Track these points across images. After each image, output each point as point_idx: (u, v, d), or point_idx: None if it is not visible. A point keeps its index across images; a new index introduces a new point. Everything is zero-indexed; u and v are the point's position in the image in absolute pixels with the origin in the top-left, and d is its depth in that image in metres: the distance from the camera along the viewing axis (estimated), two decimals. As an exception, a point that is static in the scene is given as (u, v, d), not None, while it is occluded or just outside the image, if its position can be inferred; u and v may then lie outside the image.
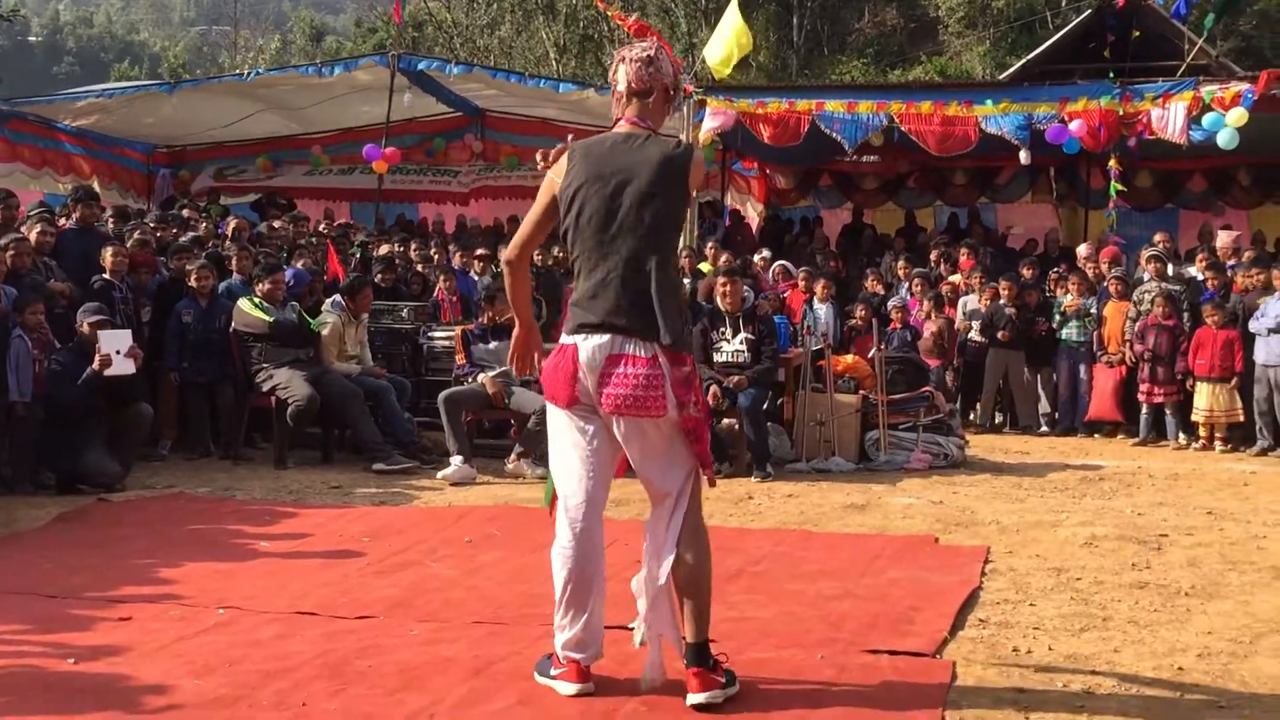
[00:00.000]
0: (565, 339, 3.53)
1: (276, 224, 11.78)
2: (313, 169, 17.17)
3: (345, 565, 5.29)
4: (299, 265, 9.85)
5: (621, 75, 3.61)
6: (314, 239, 11.54)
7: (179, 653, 3.98)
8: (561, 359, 3.51)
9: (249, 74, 14.94)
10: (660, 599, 3.56)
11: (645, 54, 3.61)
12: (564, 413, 3.57)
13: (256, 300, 8.24)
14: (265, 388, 8.10)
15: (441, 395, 7.98)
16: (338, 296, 8.71)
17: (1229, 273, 10.06)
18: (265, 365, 8.11)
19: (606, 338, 3.44)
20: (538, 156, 3.97)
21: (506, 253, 3.78)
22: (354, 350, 8.63)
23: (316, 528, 6.10)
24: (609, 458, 3.60)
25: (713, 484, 3.73)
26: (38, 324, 7.21)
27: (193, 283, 8.49)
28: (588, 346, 3.46)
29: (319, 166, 17.14)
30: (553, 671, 3.60)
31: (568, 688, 3.54)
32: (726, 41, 12.42)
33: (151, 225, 10.10)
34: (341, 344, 8.51)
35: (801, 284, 11.24)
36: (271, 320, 8.13)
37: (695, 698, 3.45)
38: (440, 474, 7.61)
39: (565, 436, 3.59)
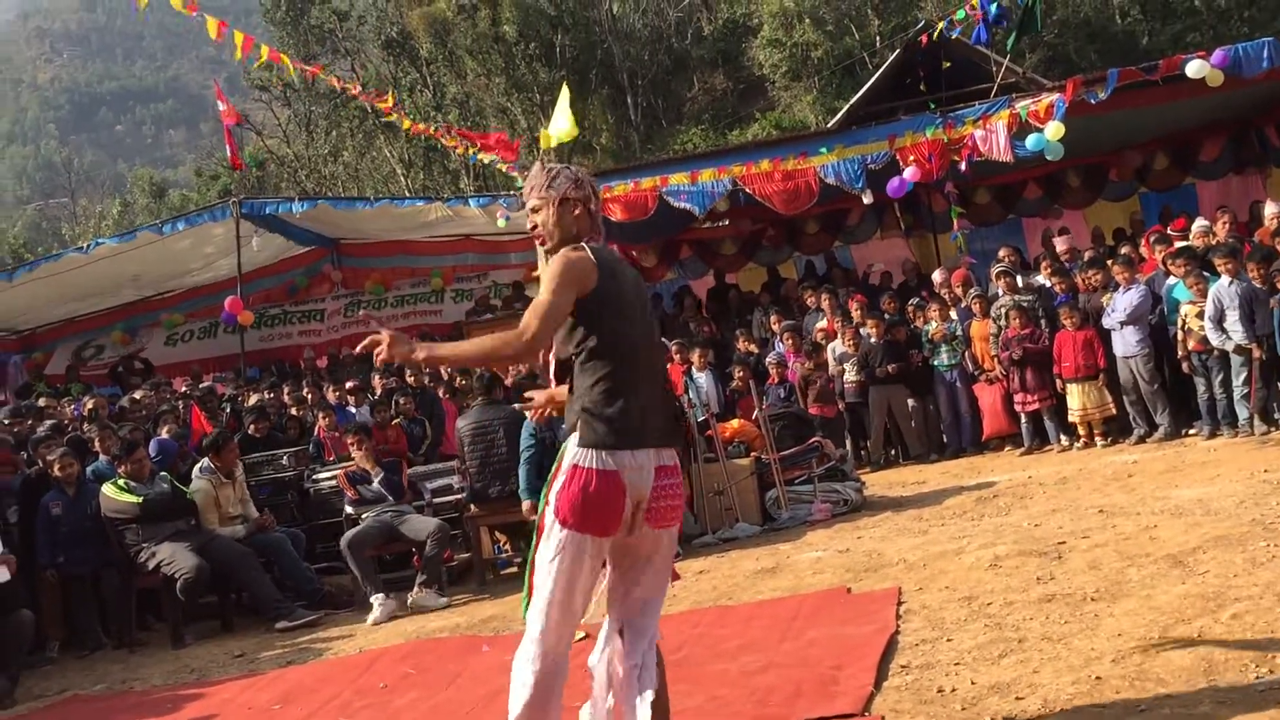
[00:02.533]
0: (597, 462, 3.28)
1: (139, 395, 11.44)
2: (167, 331, 16.76)
3: (257, 740, 5.07)
4: (163, 433, 9.55)
5: (594, 197, 3.54)
6: (179, 403, 11.23)
7: None
8: (605, 488, 3.27)
9: (90, 246, 14.57)
10: (646, 702, 3.42)
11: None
12: (585, 541, 3.30)
13: (121, 482, 7.95)
14: (150, 566, 7.79)
15: (344, 541, 7.80)
16: (204, 459, 8.45)
17: (1073, 275, 10.49)
18: (145, 544, 7.81)
19: (651, 452, 3.37)
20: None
21: (526, 343, 3.29)
22: (235, 510, 8.37)
23: (223, 705, 5.84)
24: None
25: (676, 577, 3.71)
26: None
27: (56, 473, 8.16)
28: (637, 466, 3.32)
29: (174, 328, 16.75)
30: None
31: None
32: (564, 116, 12.55)
33: (6, 421, 9.71)
34: (219, 507, 8.25)
35: (677, 356, 11.34)
36: (140, 500, 7.85)
37: None
38: (369, 619, 7.40)
39: (578, 565, 3.31)
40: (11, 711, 6.53)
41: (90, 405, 10.40)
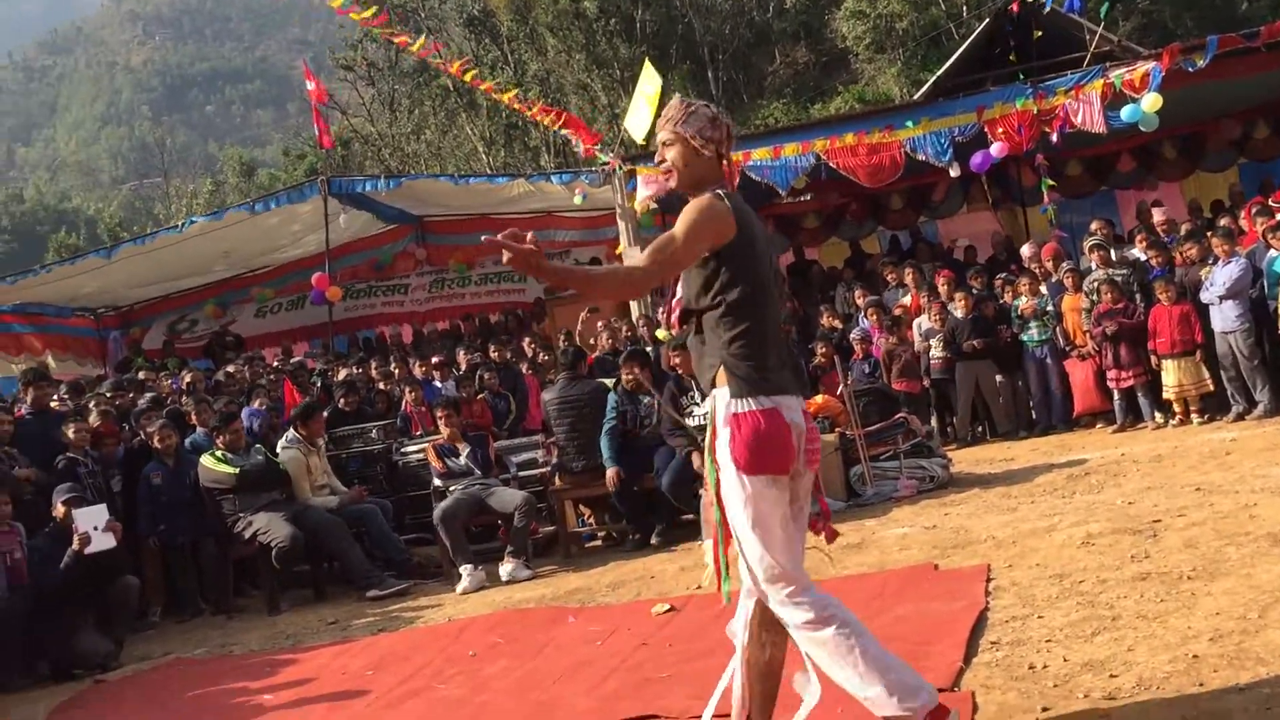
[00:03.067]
0: (756, 404, 3.25)
1: (232, 369, 11.75)
2: (259, 306, 17.20)
3: (353, 705, 5.20)
4: (256, 405, 9.81)
5: (727, 140, 3.43)
6: (271, 377, 11.50)
7: (195, 831, 3.88)
8: (774, 425, 3.25)
9: (183, 224, 14.97)
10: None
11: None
12: (772, 481, 3.25)
13: (219, 453, 8.18)
14: (246, 535, 8.02)
15: (436, 515, 7.94)
16: (290, 430, 8.65)
17: (1169, 248, 10.21)
18: (241, 514, 8.04)
19: (796, 398, 3.38)
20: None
21: (645, 278, 3.28)
22: (321, 480, 8.57)
23: (319, 669, 6.00)
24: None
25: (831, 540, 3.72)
26: (3, 516, 7.12)
27: (156, 444, 8.44)
28: (790, 408, 3.31)
29: (265, 302, 17.18)
30: None
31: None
32: (644, 110, 12.57)
33: (108, 395, 10.04)
34: (309, 475, 8.44)
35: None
36: (237, 471, 8.07)
37: None
38: (458, 589, 7.56)
39: (777, 508, 3.27)
40: (117, 673, 6.79)
41: (188, 379, 10.72)
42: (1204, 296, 9.26)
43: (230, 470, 8.07)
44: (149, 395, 10.18)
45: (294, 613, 7.86)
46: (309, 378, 11.82)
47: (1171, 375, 9.38)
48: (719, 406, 3.34)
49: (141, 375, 12.04)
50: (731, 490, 3.29)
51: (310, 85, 16.43)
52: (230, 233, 15.05)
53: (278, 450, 8.51)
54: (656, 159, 3.52)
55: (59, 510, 7.14)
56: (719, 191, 3.34)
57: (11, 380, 12.53)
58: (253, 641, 7.11)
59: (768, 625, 3.40)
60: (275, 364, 13.22)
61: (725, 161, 3.44)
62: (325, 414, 10.01)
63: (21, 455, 8.05)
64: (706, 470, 3.44)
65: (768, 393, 3.27)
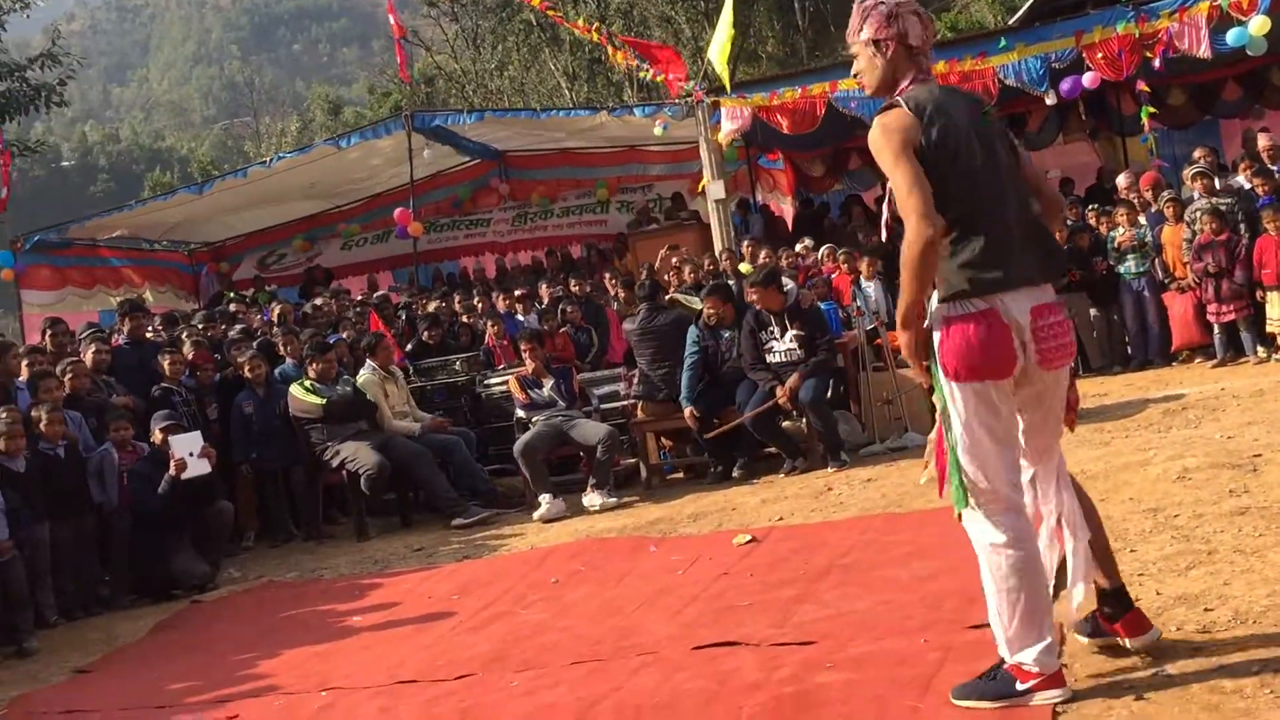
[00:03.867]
0: (961, 308, 3.13)
1: (319, 301, 11.93)
2: (345, 241, 17.46)
3: (438, 627, 5.30)
4: (343, 336, 9.97)
5: (912, 29, 3.26)
6: (357, 310, 11.67)
7: (286, 743, 4.00)
8: (989, 328, 3.11)
9: (271, 160, 15.19)
10: (1081, 547, 3.29)
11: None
12: (986, 389, 3.14)
13: (308, 384, 8.32)
14: (335, 464, 8.18)
15: (517, 449, 8.01)
16: (368, 361, 8.78)
17: (1278, 175, 9.76)
18: (329, 443, 8.19)
19: (1021, 293, 3.17)
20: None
21: (922, 227, 3.06)
22: (401, 407, 8.69)
23: (405, 594, 6.13)
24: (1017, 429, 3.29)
25: (1071, 429, 3.45)
26: (125, 439, 7.40)
27: (247, 374, 8.62)
28: (1011, 305, 3.14)
29: (352, 237, 17.43)
30: (1020, 686, 3.16)
31: (1055, 695, 3.15)
32: (724, 40, 12.34)
33: (200, 326, 10.28)
34: (386, 399, 8.56)
35: (844, 265, 11.12)
36: (325, 402, 8.21)
37: (1141, 640, 3.33)
38: (536, 515, 7.66)
39: (987, 418, 3.16)
40: (212, 594, 7.01)
41: (278, 311, 10.91)
42: (1313, 226, 8.86)
43: (318, 400, 8.22)
44: (239, 327, 10.40)
45: (381, 539, 8.02)
46: (394, 310, 11.96)
47: (1276, 308, 9.01)
48: (931, 311, 3.22)
49: (232, 308, 12.29)
50: (948, 397, 3.20)
51: (392, 20, 16.46)
52: (317, 168, 15.25)
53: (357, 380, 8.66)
54: (852, 73, 3.44)
55: (156, 436, 7.38)
56: (898, 97, 3.22)
57: (112, 314, 12.90)
58: (341, 566, 7.28)
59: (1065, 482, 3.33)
60: (360, 297, 13.40)
61: (913, 51, 3.26)
62: (409, 347, 10.15)
63: (119, 384, 8.30)
64: (932, 371, 3.29)
65: (979, 293, 3.12)
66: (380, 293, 13.81)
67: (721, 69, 12.23)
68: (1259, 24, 10.41)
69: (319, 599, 6.41)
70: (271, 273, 17.40)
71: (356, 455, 8.02)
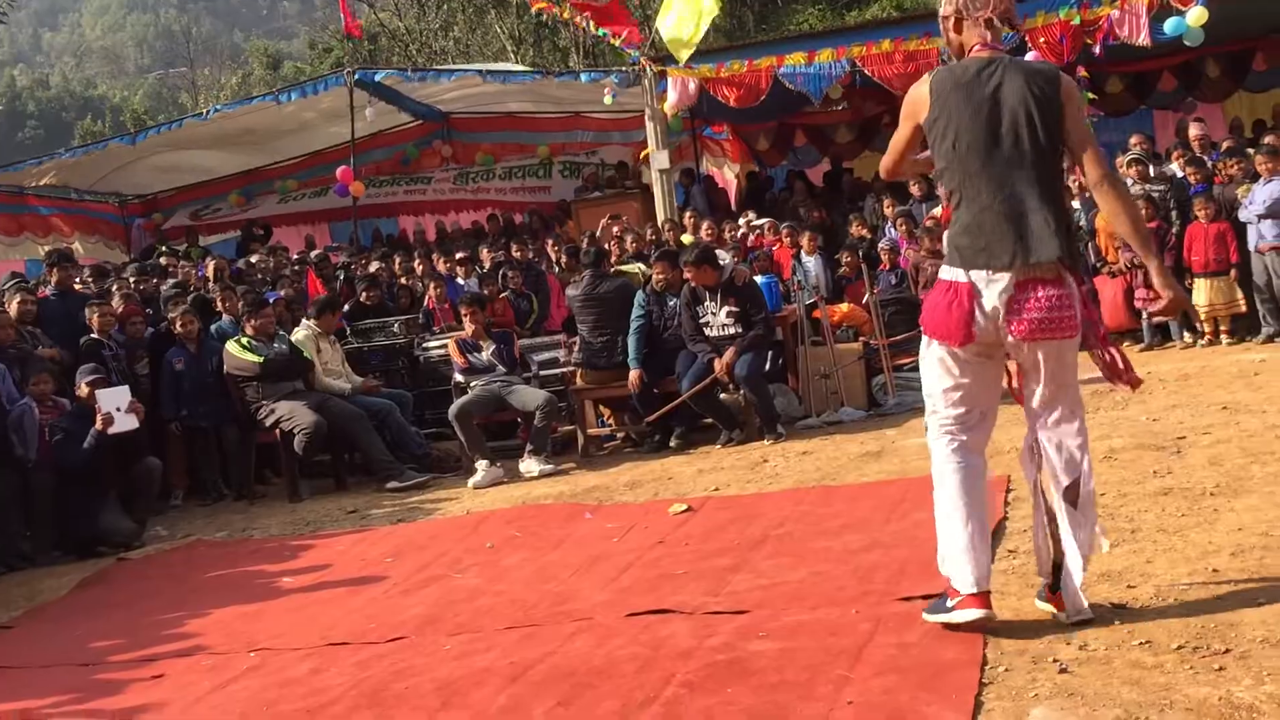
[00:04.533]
0: (952, 274, 3.44)
1: (255, 258, 11.73)
2: (283, 197, 17.13)
3: (371, 589, 5.27)
4: (280, 293, 9.82)
5: (972, 3, 3.50)
6: (295, 268, 11.49)
7: (215, 703, 3.96)
8: (954, 297, 3.40)
9: (207, 112, 14.85)
10: (1089, 511, 3.50)
11: None
12: (944, 350, 3.48)
13: (245, 341, 8.20)
14: (269, 423, 8.07)
15: (452, 412, 7.96)
16: (305, 320, 8.69)
17: (1209, 165, 9.98)
18: (264, 401, 8.08)
19: (1005, 269, 3.36)
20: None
21: (884, 171, 3.86)
22: (334, 366, 8.61)
23: (338, 556, 6.08)
24: (992, 389, 3.57)
25: (1135, 386, 3.64)
26: (45, 394, 7.22)
27: (178, 329, 8.46)
28: (988, 279, 3.38)
29: (289, 194, 17.10)
30: (949, 603, 3.51)
31: (973, 614, 3.43)
32: (686, 18, 12.15)
33: (131, 280, 10.06)
34: (318, 356, 8.47)
35: (786, 239, 11.17)
36: (263, 360, 8.09)
37: (1072, 614, 3.48)
38: (471, 482, 7.61)
39: (947, 371, 3.50)
40: (140, 552, 6.91)
41: (213, 266, 10.71)
42: (1243, 214, 9.06)
43: (254, 359, 8.10)
44: (173, 281, 10.20)
45: (314, 501, 7.94)
46: (332, 270, 11.80)
47: (1203, 294, 9.24)
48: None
49: (163, 261, 12.03)
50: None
51: (336, -27, 16.12)
52: (255, 122, 14.94)
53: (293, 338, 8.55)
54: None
55: (82, 390, 7.22)
56: (930, 74, 3.54)
57: (39, 263, 12.59)
58: (273, 527, 7.20)
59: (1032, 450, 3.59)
60: (298, 255, 13.19)
61: (977, 25, 3.51)
62: (346, 307, 10.02)
63: (45, 335, 8.10)
64: None
65: (956, 264, 3.43)
66: (318, 251, 13.60)
67: (684, 47, 12.09)
68: (1196, 14, 10.59)
69: (249, 559, 6.34)
70: (205, 223, 17.02)
71: (292, 414, 7.92)
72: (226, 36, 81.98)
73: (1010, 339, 3.40)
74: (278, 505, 7.96)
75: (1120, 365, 3.56)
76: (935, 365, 3.53)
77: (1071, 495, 3.48)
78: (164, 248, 14.70)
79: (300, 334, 8.49)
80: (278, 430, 8.03)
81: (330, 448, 8.38)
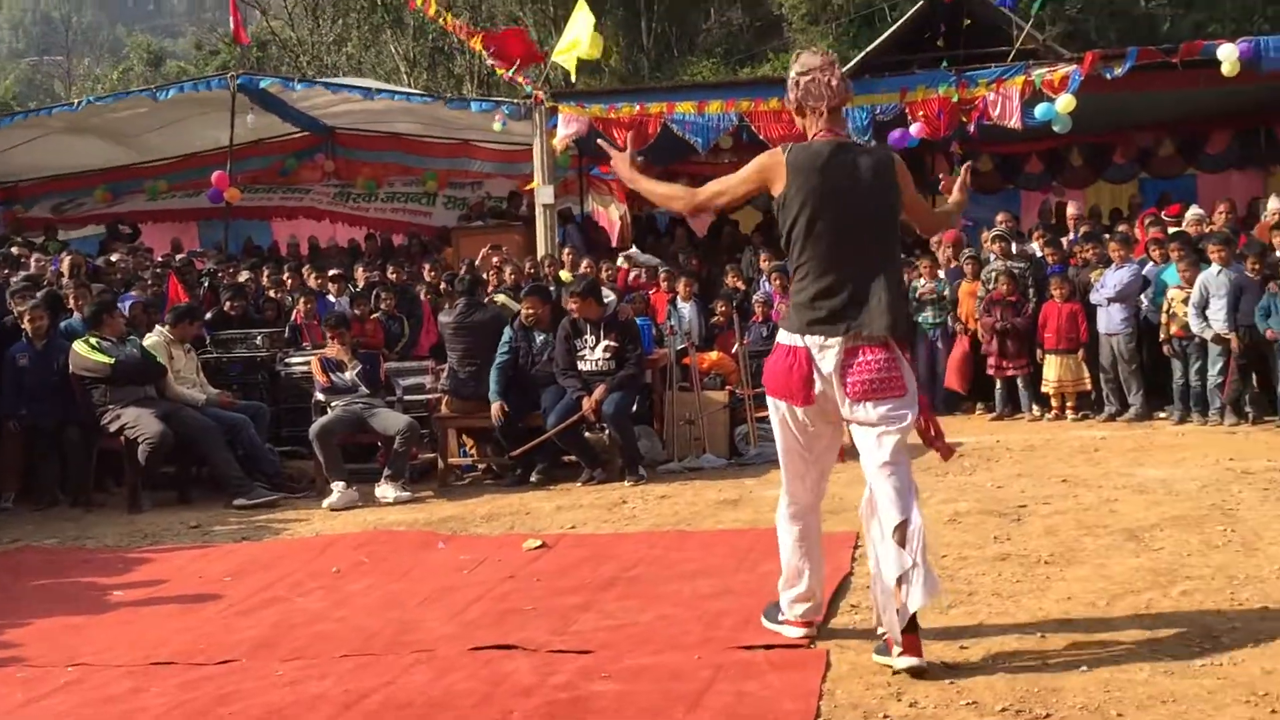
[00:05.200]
0: (791, 340, 3.75)
1: (115, 257, 11.30)
2: (152, 196, 16.53)
3: (205, 608, 5.09)
4: (134, 294, 9.47)
5: (819, 90, 3.74)
6: (157, 270, 11.10)
7: (25, 718, 3.75)
8: (793, 360, 3.72)
9: (79, 103, 14.31)
10: (914, 549, 3.63)
11: (838, 69, 3.80)
12: (786, 408, 3.78)
13: (94, 341, 7.87)
14: (113, 428, 7.75)
15: (313, 431, 7.79)
16: (159, 327, 8.45)
17: (1065, 247, 10.48)
18: (111, 405, 7.76)
19: (838, 339, 3.67)
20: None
21: (694, 198, 4.07)
22: (188, 375, 8.37)
23: (174, 571, 5.85)
24: (829, 452, 3.90)
25: (946, 458, 4.02)
26: None
27: (26, 324, 8.08)
28: (819, 346, 3.69)
29: (158, 195, 16.51)
30: (780, 615, 4.05)
31: (798, 632, 3.99)
32: (576, 40, 12.31)
33: (-20, 270, 9.59)
34: (170, 362, 8.22)
35: (664, 284, 11.28)
36: (113, 361, 7.78)
37: (909, 662, 3.59)
38: (326, 503, 7.43)
39: (789, 429, 3.82)
40: (-39, 555, 6.53)
41: (69, 261, 10.27)
42: (1093, 298, 9.52)
43: (105, 360, 7.78)
44: (23, 274, 9.74)
45: (155, 513, 7.63)
46: (196, 276, 11.44)
47: (1053, 370, 9.64)
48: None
49: (15, 251, 11.47)
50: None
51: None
52: (129, 117, 14.45)
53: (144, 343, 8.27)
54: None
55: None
56: (782, 147, 3.76)
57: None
58: (108, 537, 6.90)
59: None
60: (162, 257, 12.75)
61: (806, 113, 3.81)
62: (209, 315, 9.73)
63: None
64: None
65: (794, 330, 3.74)
66: (182, 255, 13.17)
67: (575, 59, 12.16)
68: (1065, 102, 11.15)
69: (79, 569, 6.06)
70: (65, 215, 16.32)
71: (138, 422, 7.62)
72: (109, 29, 79.34)
73: (846, 400, 3.69)
74: (116, 515, 7.62)
75: (933, 434, 3.90)
76: (782, 425, 3.83)
77: (899, 535, 3.66)
78: (19, 239, 14.03)
79: (152, 339, 8.22)
80: (122, 437, 7.71)
81: (176, 459, 8.08)
